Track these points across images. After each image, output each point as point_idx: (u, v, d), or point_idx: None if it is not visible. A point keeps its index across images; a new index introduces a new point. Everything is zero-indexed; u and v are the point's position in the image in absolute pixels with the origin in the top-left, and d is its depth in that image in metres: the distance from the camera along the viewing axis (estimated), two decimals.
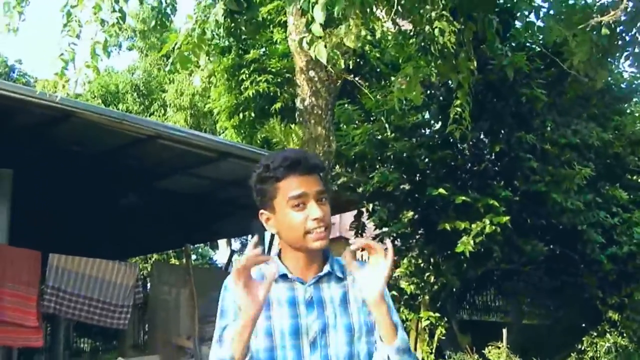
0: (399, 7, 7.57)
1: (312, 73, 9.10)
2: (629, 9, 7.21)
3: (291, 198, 2.50)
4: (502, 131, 13.74)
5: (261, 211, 2.64)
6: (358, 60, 14.65)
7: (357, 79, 14.72)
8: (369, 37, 7.76)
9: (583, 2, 9.15)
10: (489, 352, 13.63)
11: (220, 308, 2.54)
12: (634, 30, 7.38)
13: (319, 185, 2.54)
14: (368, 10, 6.82)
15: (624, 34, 7.42)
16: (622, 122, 15.23)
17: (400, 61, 11.51)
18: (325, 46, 6.16)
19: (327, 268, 2.61)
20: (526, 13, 9.58)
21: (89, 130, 10.79)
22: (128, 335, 15.17)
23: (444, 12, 7.20)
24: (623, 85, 15.10)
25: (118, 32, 8.59)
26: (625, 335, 15.51)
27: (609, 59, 8.95)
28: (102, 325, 12.27)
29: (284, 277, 2.56)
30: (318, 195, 2.52)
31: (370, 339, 2.58)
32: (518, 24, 13.08)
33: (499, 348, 13.67)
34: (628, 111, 15.73)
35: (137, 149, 11.82)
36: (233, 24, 7.01)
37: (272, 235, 19.80)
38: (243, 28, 7.12)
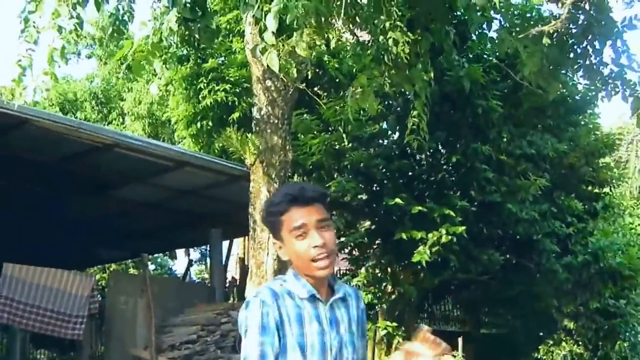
0: (356, 18, 7.63)
1: (268, 82, 9.09)
2: (580, 22, 7.33)
3: (293, 229, 2.74)
4: (459, 142, 13.84)
5: (274, 241, 2.87)
6: (316, 70, 14.65)
7: (315, 88, 14.74)
8: (324, 47, 7.80)
9: (537, 15, 9.31)
10: None
11: (261, 324, 2.63)
12: (585, 43, 7.48)
13: (318, 214, 2.74)
14: (323, 19, 6.85)
15: (575, 47, 7.52)
16: (577, 134, 15.45)
17: (355, 71, 11.59)
18: (279, 55, 6.18)
19: (341, 291, 2.86)
20: (479, 25, 9.65)
21: (44, 138, 10.74)
22: (85, 345, 14.97)
23: (398, 23, 7.25)
24: (577, 97, 15.30)
25: (76, 39, 8.53)
26: (580, 343, 15.75)
27: (562, 71, 9.06)
28: (56, 335, 12.17)
29: (311, 297, 2.75)
30: (318, 224, 2.73)
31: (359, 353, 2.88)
32: (474, 36, 13.21)
33: (454, 357, 13.73)
34: (582, 123, 15.94)
35: (94, 158, 11.78)
36: (187, 32, 7.01)
37: (229, 247, 19.75)
38: (197, 36, 7.10)
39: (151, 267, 28.75)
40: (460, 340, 14.30)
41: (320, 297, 2.76)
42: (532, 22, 8.34)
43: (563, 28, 5.87)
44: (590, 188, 16.54)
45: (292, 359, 2.64)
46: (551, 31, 5.62)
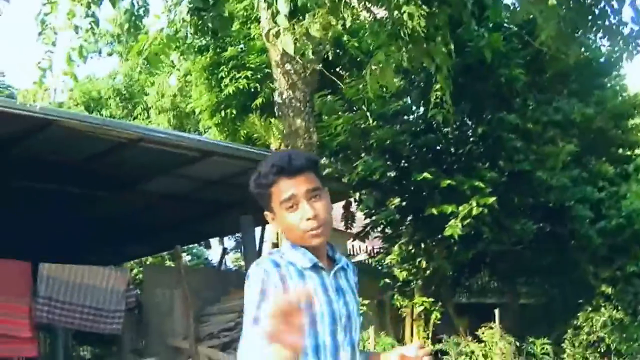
0: None
1: (287, 66, 9.10)
2: None
3: (282, 201, 2.61)
4: (484, 113, 13.76)
5: (266, 212, 2.74)
6: (337, 50, 14.60)
7: (337, 69, 14.70)
8: (339, 27, 7.76)
9: None
10: (483, 333, 13.65)
11: (261, 290, 2.52)
12: (603, 3, 7.37)
13: (308, 183, 2.62)
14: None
15: (593, 8, 7.41)
16: (604, 97, 15.28)
17: (373, 48, 11.51)
18: (292, 37, 6.15)
19: (342, 260, 2.76)
20: None
21: (69, 138, 10.77)
22: (126, 340, 15.10)
23: None
24: (602, 60, 15.12)
25: (92, 37, 8.56)
26: (620, 308, 15.57)
27: (582, 34, 8.93)
28: (95, 331, 12.29)
29: (314, 265, 2.64)
30: (309, 194, 2.62)
31: None
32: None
33: (492, 329, 13.70)
34: (608, 85, 15.77)
35: (120, 154, 11.80)
36: (200, 22, 7.00)
37: (262, 234, 19.85)
38: (210, 25, 7.09)
39: (187, 258, 28.94)
40: (496, 312, 14.22)
41: (323, 265, 2.66)
42: None
43: None
44: (620, 151, 16.39)
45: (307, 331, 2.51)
46: None
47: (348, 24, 7.53)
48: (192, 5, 6.53)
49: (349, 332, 2.64)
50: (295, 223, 2.60)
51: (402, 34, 7.28)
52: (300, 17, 7.03)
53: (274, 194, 2.63)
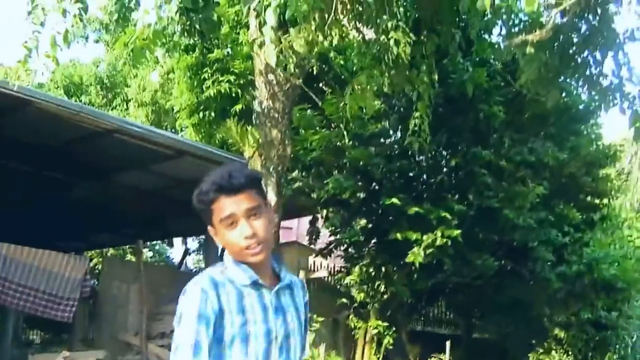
0: (362, 15, 7.64)
1: (270, 76, 9.13)
2: (581, 31, 7.34)
3: (222, 219, 2.61)
4: (460, 145, 13.86)
5: (209, 227, 2.73)
6: (322, 66, 14.64)
7: (320, 84, 14.75)
8: (325, 44, 7.81)
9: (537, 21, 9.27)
10: None
11: (198, 313, 2.51)
12: (586, 52, 7.49)
13: (248, 202, 2.62)
14: (326, 15, 6.85)
15: (576, 56, 7.52)
16: (578, 143, 15.42)
17: (356, 69, 11.60)
18: (281, 50, 6.19)
19: (287, 278, 2.76)
20: (480, 30, 9.65)
21: (46, 121, 10.73)
22: (77, 328, 15.02)
23: (400, 23, 7.26)
24: (581, 107, 15.29)
25: (79, 23, 8.53)
26: (570, 353, 15.73)
27: (564, 80, 9.06)
28: (46, 316, 12.15)
29: (254, 283, 2.64)
30: (248, 213, 2.61)
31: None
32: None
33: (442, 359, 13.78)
34: (585, 132, 15.92)
35: (95, 143, 11.77)
36: (188, 22, 7.02)
37: None
38: (198, 26, 7.11)
39: (148, 253, 28.76)
40: (447, 343, 14.29)
41: (264, 283, 2.66)
42: (529, 28, 8.31)
43: (563, 36, 5.86)
44: (589, 198, 16.54)
45: (235, 349, 2.53)
46: (535, 40, 5.60)
47: (335, 42, 7.57)
48: (181, 4, 6.54)
49: (285, 351, 2.65)
50: (235, 241, 2.60)
51: (387, 59, 7.34)
52: (287, 30, 7.08)
53: (214, 211, 2.63)
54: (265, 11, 5.61)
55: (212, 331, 2.51)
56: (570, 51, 7.38)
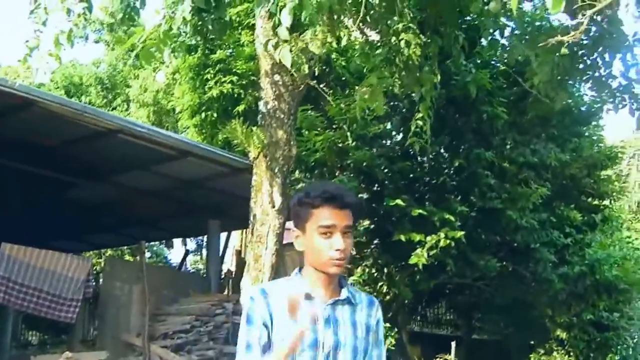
0: (367, 17, 7.62)
1: (276, 77, 9.09)
2: (591, 34, 7.34)
3: (321, 226, 2.78)
4: (462, 147, 13.87)
5: (293, 229, 2.90)
6: (324, 67, 14.64)
7: (322, 86, 14.73)
8: (334, 45, 7.80)
9: (547, 24, 9.30)
10: None
11: (247, 316, 2.76)
12: (595, 55, 7.49)
13: (348, 220, 2.79)
14: (335, 17, 6.85)
15: (585, 58, 7.53)
16: (581, 145, 15.43)
17: (365, 71, 11.55)
18: (291, 50, 6.18)
19: (345, 294, 2.88)
20: (491, 31, 9.65)
21: (49, 121, 10.72)
22: (77, 329, 15.01)
23: (410, 25, 7.26)
24: (583, 109, 15.31)
25: (84, 22, 8.52)
26: (572, 354, 15.73)
27: (569, 81, 9.07)
28: (49, 317, 12.16)
29: (306, 295, 2.81)
30: (345, 229, 2.78)
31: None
32: (484, 41, 13.21)
33: None
34: (586, 134, 15.93)
35: (97, 143, 11.77)
36: (200, 22, 7.00)
37: (227, 240, 19.71)
38: (210, 27, 7.09)
39: (146, 255, 28.72)
40: (453, 344, 14.29)
41: (318, 296, 2.81)
42: (542, 32, 8.33)
43: (574, 39, 5.86)
44: (590, 200, 16.54)
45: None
46: (570, 41, 5.61)
47: (343, 42, 7.57)
48: (194, 5, 6.53)
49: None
50: (324, 249, 2.77)
51: (397, 60, 7.34)
52: (297, 32, 7.07)
53: (313, 216, 2.79)
54: (280, 12, 5.60)
55: (266, 334, 2.72)
56: (580, 53, 7.39)
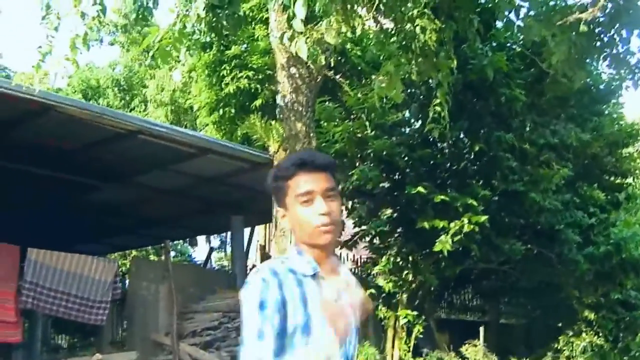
0: (381, 5, 7.60)
1: (293, 70, 9.12)
2: (607, 10, 7.27)
3: (299, 195, 2.61)
4: (482, 131, 13.78)
5: (277, 208, 2.76)
6: (339, 57, 14.62)
7: (338, 76, 14.73)
8: (349, 35, 7.78)
9: (563, 3, 9.23)
10: (466, 350, 13.69)
11: (260, 300, 2.49)
12: (613, 32, 7.43)
13: (327, 182, 2.63)
14: (349, 7, 6.84)
15: (602, 35, 7.47)
16: (601, 123, 15.34)
17: (381, 59, 11.53)
18: (306, 42, 6.17)
19: (345, 271, 2.79)
20: (506, 12, 9.58)
21: (68, 125, 10.77)
22: (106, 331, 15.10)
23: (425, 10, 7.23)
24: (601, 87, 15.21)
25: (99, 25, 8.55)
26: (600, 334, 15.64)
27: (587, 60, 9.00)
28: (79, 320, 12.25)
29: (315, 275, 2.62)
30: (325, 192, 2.61)
31: None
32: (499, 24, 13.14)
33: (476, 346, 13.73)
34: (606, 112, 15.83)
35: (117, 145, 11.80)
36: (214, 19, 7.00)
37: (250, 236, 19.76)
38: (224, 23, 7.09)
39: (171, 254, 28.86)
40: (481, 329, 14.26)
41: (325, 275, 2.64)
42: (558, 10, 8.26)
43: (591, 16, 5.81)
44: (612, 178, 16.45)
45: (296, 340, 2.49)
46: (588, 19, 5.56)
47: (358, 32, 7.55)
48: (208, 2, 6.54)
49: (342, 344, 2.61)
50: (308, 218, 2.59)
51: (413, 47, 7.32)
52: (312, 23, 7.06)
53: (290, 187, 2.63)
54: (294, 4, 5.60)
55: (278, 319, 2.47)
56: (597, 30, 7.33)
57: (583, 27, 6.00)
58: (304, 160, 2.64)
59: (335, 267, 2.75)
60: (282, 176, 2.66)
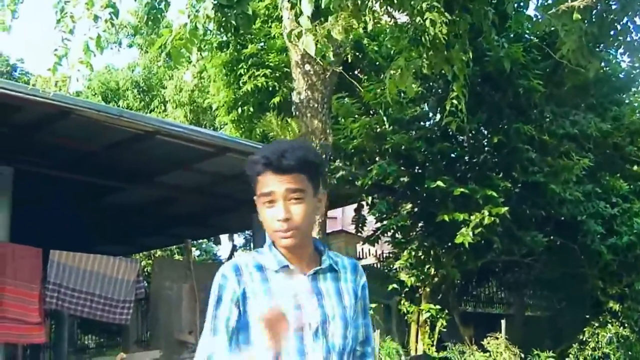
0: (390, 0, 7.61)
1: (307, 67, 9.14)
2: None
3: (261, 195, 2.57)
4: (501, 122, 13.74)
5: (254, 198, 2.68)
6: (356, 53, 14.64)
7: (355, 72, 14.74)
8: (361, 30, 7.79)
9: None
10: (488, 343, 13.62)
11: (217, 295, 2.53)
12: (626, 19, 7.38)
13: (292, 183, 2.53)
14: (359, 2, 6.85)
15: (615, 23, 7.43)
16: (621, 112, 15.21)
17: (395, 54, 11.52)
18: (315, 39, 6.19)
19: (326, 262, 2.66)
20: (515, 5, 9.55)
21: (87, 127, 10.85)
22: (131, 331, 15.22)
23: (434, 3, 7.21)
24: (621, 76, 15.08)
25: (111, 28, 8.60)
26: (626, 325, 15.49)
27: (604, 49, 8.96)
28: (104, 320, 12.35)
29: (285, 267, 2.59)
30: (288, 195, 2.53)
31: (353, 330, 2.67)
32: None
33: (498, 339, 13.66)
34: (627, 101, 15.71)
35: (137, 146, 11.86)
36: (224, 18, 7.04)
37: None
38: (234, 22, 7.12)
39: (196, 253, 29.04)
40: (503, 322, 14.19)
41: (297, 267, 2.59)
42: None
43: (601, 4, 5.78)
44: (635, 167, 16.29)
45: (258, 334, 2.46)
46: (582, 6, 5.52)
47: (370, 27, 7.55)
48: (216, 1, 6.57)
49: (322, 336, 2.55)
50: (269, 220, 2.56)
51: (424, 40, 7.31)
52: (322, 19, 7.08)
53: (258, 184, 2.59)
54: (300, 1, 5.62)
55: (237, 314, 2.50)
56: (609, 19, 7.29)
57: (576, 15, 5.95)
58: (269, 160, 2.54)
59: (316, 260, 2.68)
60: (252, 171, 2.61)
